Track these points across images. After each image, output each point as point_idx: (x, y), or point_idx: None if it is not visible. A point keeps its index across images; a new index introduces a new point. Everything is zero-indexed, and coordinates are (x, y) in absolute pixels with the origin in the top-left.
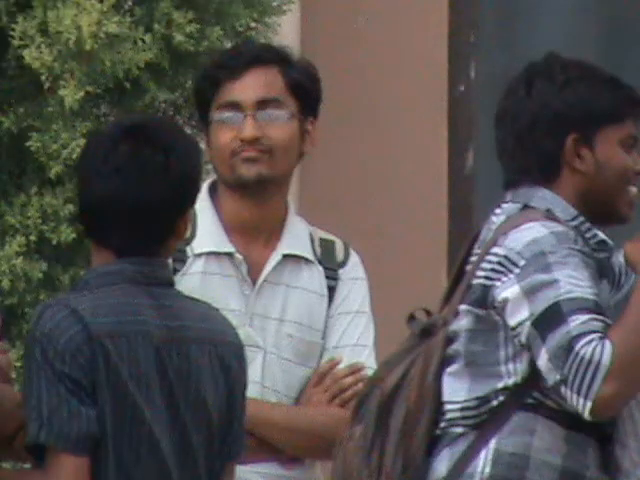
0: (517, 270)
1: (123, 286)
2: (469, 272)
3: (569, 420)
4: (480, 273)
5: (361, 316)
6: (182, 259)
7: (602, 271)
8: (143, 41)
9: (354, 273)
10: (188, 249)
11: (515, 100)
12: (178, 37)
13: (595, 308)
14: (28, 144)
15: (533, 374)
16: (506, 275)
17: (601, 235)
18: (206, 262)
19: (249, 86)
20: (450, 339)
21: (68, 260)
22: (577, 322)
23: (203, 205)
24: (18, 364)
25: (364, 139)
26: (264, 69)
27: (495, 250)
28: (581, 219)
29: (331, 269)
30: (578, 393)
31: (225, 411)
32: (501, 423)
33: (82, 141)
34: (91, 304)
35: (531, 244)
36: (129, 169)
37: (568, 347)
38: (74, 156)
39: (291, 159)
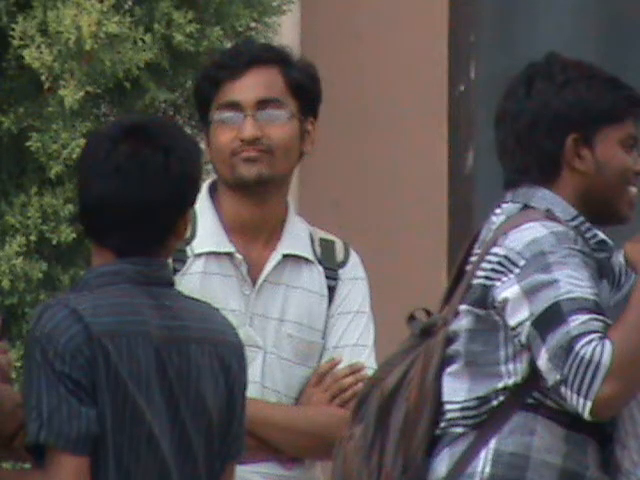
0: (517, 270)
1: (123, 286)
2: (469, 272)
3: (569, 420)
4: (480, 273)
5: (361, 316)
6: (182, 259)
7: (602, 271)
8: (143, 41)
9: (354, 273)
10: (188, 249)
11: (515, 100)
12: (178, 37)
13: (595, 308)
14: (28, 144)
15: (533, 374)
16: (506, 275)
17: (601, 235)
18: (206, 262)
19: (249, 86)
20: (450, 339)
21: (68, 260)
22: (577, 322)
23: (203, 205)
24: (18, 364)
25: (364, 139)
26: (264, 69)
27: (495, 250)
28: (581, 219)
29: (331, 269)
30: (578, 393)
31: (225, 411)
32: (501, 423)
33: (82, 141)
34: (91, 304)
35: (531, 244)
36: (129, 169)
37: (568, 347)
38: (74, 156)
39: (291, 159)
